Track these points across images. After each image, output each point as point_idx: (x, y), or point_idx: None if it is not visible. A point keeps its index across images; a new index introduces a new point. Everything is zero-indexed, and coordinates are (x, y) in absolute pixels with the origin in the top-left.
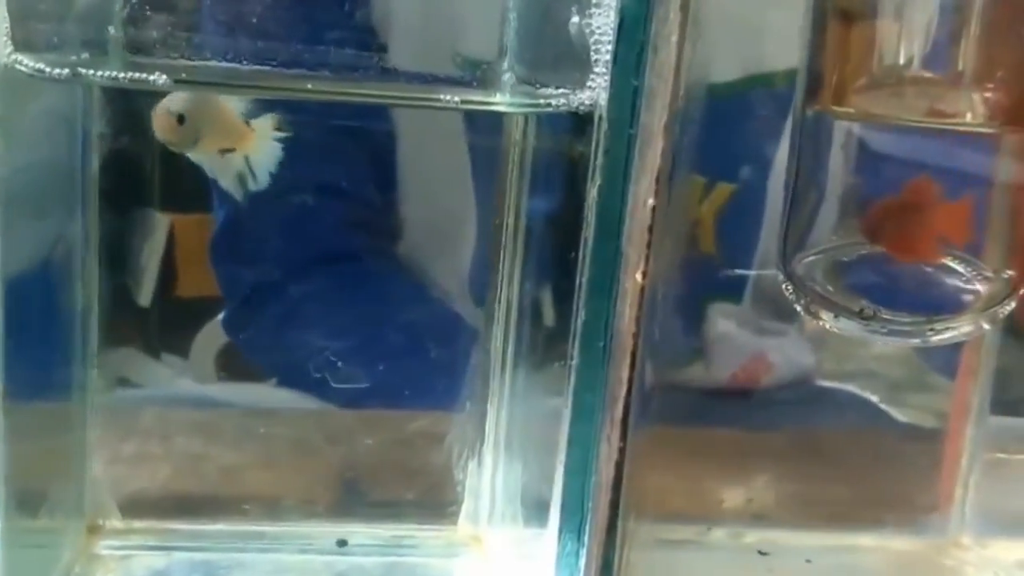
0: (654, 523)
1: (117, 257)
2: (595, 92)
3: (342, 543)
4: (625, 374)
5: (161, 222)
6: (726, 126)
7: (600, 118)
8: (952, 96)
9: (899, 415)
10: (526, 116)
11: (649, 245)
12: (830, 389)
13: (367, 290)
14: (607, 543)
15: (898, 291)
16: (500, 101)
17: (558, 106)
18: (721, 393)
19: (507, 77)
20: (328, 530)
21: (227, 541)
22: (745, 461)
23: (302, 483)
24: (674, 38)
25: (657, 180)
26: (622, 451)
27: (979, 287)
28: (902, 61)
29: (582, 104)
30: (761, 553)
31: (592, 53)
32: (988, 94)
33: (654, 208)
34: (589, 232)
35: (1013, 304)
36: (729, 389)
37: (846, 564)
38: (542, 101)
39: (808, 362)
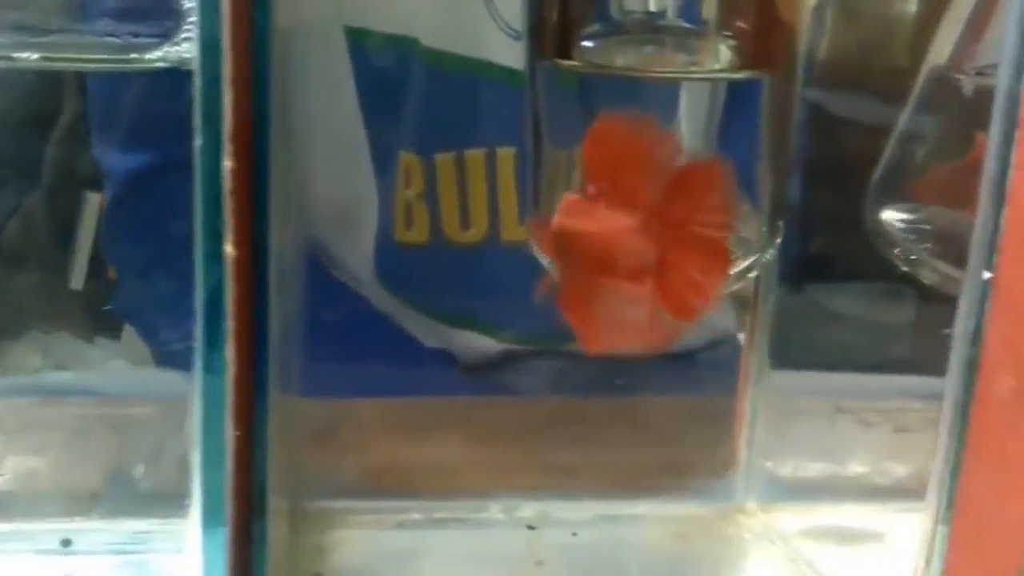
0: (427, 501)
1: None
2: (193, 44)
3: (66, 543)
4: (232, 356)
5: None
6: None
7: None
8: (704, 45)
9: None
10: None
11: (237, 213)
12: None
13: None
14: (247, 534)
15: None
16: (85, 58)
17: (151, 61)
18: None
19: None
20: (62, 527)
21: None
22: (540, 431)
23: (44, 478)
24: None
25: (233, 139)
26: (239, 439)
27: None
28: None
29: (181, 58)
30: (530, 528)
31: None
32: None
33: (232, 171)
34: (196, 199)
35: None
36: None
37: (613, 535)
38: (134, 56)
39: (728, 323)
